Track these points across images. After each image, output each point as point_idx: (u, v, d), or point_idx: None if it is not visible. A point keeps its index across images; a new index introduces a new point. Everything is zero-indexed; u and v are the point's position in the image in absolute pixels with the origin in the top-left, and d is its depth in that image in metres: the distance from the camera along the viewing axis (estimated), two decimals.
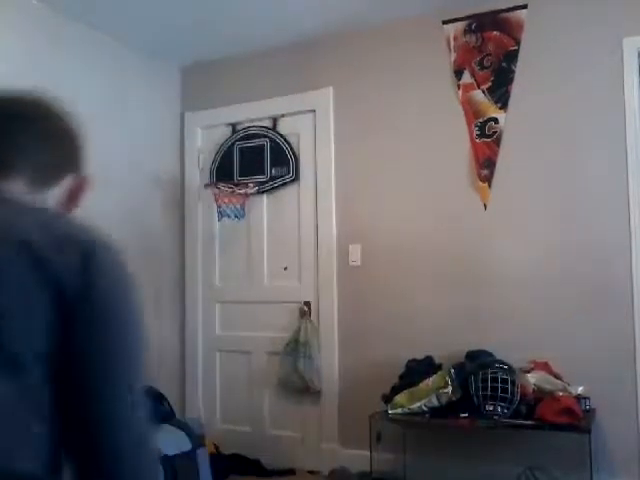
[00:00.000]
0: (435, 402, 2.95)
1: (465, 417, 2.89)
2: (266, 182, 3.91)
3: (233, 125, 4.07)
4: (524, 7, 3.26)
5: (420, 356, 3.26)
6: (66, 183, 1.10)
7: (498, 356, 3.03)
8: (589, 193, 3.11)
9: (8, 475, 0.80)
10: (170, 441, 2.64)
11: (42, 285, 0.84)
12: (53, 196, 1.06)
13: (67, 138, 1.16)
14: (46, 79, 3.30)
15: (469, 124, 3.37)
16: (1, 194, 0.96)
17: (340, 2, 3.34)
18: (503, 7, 3.30)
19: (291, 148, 3.87)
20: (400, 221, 3.51)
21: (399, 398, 3.04)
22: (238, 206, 3.87)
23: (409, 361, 3.26)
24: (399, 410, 3.01)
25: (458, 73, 3.41)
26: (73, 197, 1.13)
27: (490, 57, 3.34)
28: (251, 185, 3.89)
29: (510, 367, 2.89)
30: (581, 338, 3.06)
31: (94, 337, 0.87)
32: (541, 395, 2.88)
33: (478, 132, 3.35)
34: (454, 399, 2.94)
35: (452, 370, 3.02)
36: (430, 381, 3.01)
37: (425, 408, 2.96)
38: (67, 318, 0.85)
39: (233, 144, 4.04)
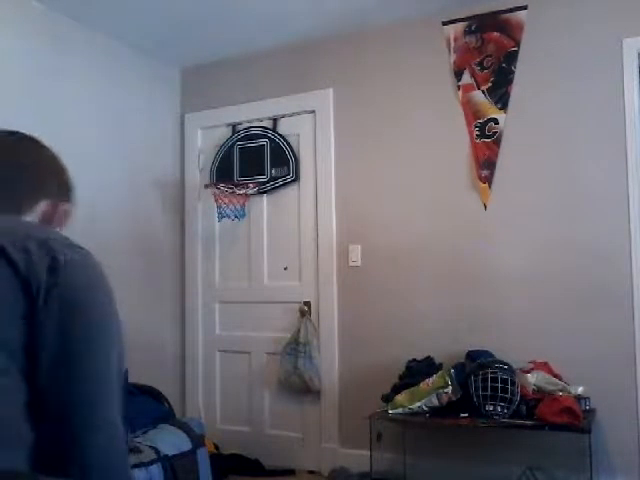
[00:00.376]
0: (435, 402, 2.95)
1: (465, 417, 2.89)
2: (266, 182, 3.92)
3: (233, 126, 4.07)
4: (524, 8, 3.27)
5: (420, 356, 3.27)
6: (39, 209, 1.15)
7: (498, 356, 3.04)
8: (589, 193, 3.12)
9: None
10: (170, 441, 2.64)
11: (12, 283, 0.89)
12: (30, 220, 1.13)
13: (40, 168, 1.19)
14: (46, 79, 3.32)
15: (469, 125, 3.38)
16: None
17: (340, 3, 3.34)
18: (503, 8, 3.31)
19: (291, 149, 3.87)
20: (400, 221, 3.52)
21: (399, 398, 3.04)
22: (238, 206, 3.88)
23: (409, 361, 3.27)
24: (399, 410, 3.01)
25: (458, 74, 3.42)
26: (48, 222, 1.16)
27: (490, 58, 3.34)
28: (251, 185, 3.89)
29: (510, 367, 2.89)
30: (581, 338, 3.06)
31: (59, 332, 0.90)
32: (541, 395, 2.88)
33: (478, 133, 3.36)
34: (454, 399, 2.94)
35: (452, 370, 3.03)
36: (430, 381, 3.01)
37: (425, 408, 2.96)
38: (34, 313, 0.89)
39: (233, 145, 4.05)
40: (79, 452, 0.89)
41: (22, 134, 1.23)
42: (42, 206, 1.15)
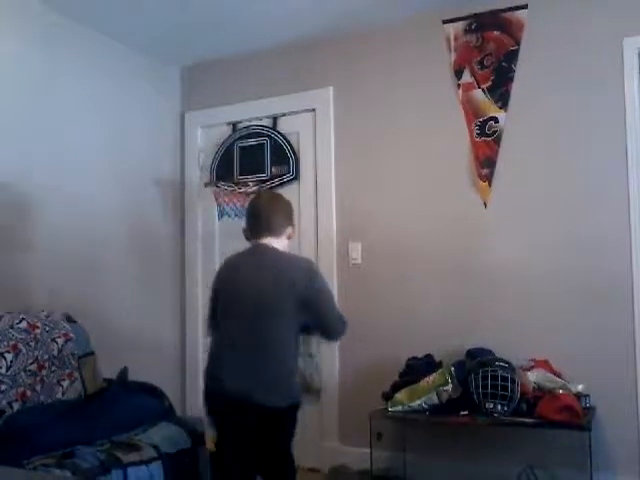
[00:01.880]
0: (435, 400, 2.95)
1: (465, 415, 2.89)
2: (266, 181, 3.92)
3: (233, 124, 4.07)
4: (524, 7, 3.27)
5: (420, 354, 3.27)
6: (287, 231, 2.48)
7: (498, 354, 3.04)
8: (589, 192, 3.12)
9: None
10: (170, 439, 2.63)
11: (290, 288, 2.28)
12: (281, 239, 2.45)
13: (286, 210, 2.49)
14: (46, 79, 3.32)
15: (469, 123, 3.38)
16: (265, 245, 2.40)
17: (340, 2, 3.35)
18: (503, 7, 3.31)
19: (291, 147, 3.87)
20: (400, 219, 3.52)
21: (399, 396, 3.05)
22: (238, 205, 3.88)
23: (409, 359, 3.27)
24: (399, 408, 3.02)
25: (458, 72, 3.42)
26: (290, 237, 2.50)
27: (490, 57, 3.35)
28: (251, 184, 3.90)
29: (510, 365, 2.89)
30: (581, 336, 3.07)
31: (316, 303, 2.34)
32: (541, 393, 2.89)
33: (478, 131, 3.36)
34: (454, 397, 2.94)
35: (452, 368, 3.03)
36: (430, 379, 3.01)
37: (425, 406, 2.97)
38: (303, 299, 2.30)
39: (233, 143, 4.05)
40: (331, 325, 2.42)
41: (272, 192, 2.96)
42: (288, 230, 2.48)
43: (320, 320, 2.37)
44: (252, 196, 2.78)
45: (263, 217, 2.40)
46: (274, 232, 2.40)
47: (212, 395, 2.36)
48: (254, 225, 2.42)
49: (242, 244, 3.97)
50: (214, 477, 2.56)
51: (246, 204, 3.84)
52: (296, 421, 2.52)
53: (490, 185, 3.33)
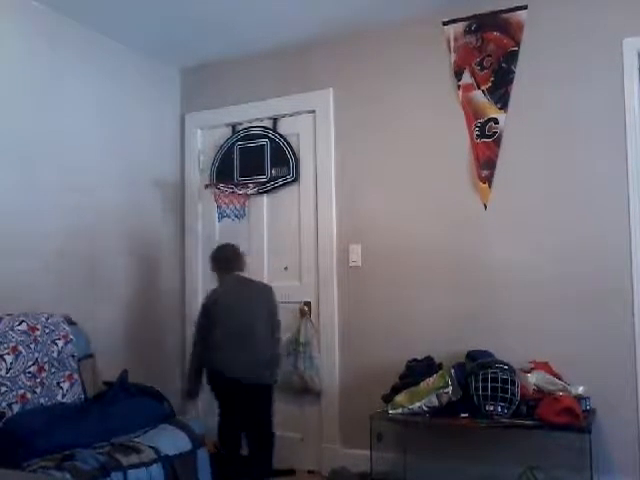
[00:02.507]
0: (435, 402, 2.95)
1: (465, 417, 2.89)
2: (266, 182, 3.92)
3: (233, 126, 4.08)
4: (524, 8, 3.27)
5: (420, 356, 3.27)
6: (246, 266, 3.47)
7: (498, 356, 3.04)
8: (589, 193, 3.12)
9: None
10: (170, 441, 2.63)
11: (264, 306, 3.30)
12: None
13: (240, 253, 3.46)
14: (46, 79, 3.32)
15: (469, 124, 3.38)
16: (241, 276, 3.38)
17: (340, 3, 3.34)
18: (503, 8, 3.31)
19: (291, 148, 3.87)
20: (400, 221, 3.52)
21: (399, 398, 3.04)
22: (238, 206, 3.88)
23: (409, 361, 3.27)
24: (399, 410, 3.01)
25: (458, 74, 3.42)
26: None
27: (490, 58, 3.34)
28: (251, 185, 3.90)
29: (510, 367, 2.89)
30: (581, 338, 3.06)
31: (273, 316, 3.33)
32: (541, 395, 2.88)
33: (478, 132, 3.36)
34: (454, 399, 2.94)
35: (452, 370, 3.02)
36: (430, 381, 3.01)
37: (425, 408, 2.96)
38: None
39: (233, 145, 4.05)
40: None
41: (231, 245, 3.48)
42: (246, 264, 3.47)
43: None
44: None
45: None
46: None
47: None
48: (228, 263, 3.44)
49: (242, 245, 4.01)
50: None
51: (246, 205, 3.91)
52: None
53: (490, 187, 3.32)
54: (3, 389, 2.54)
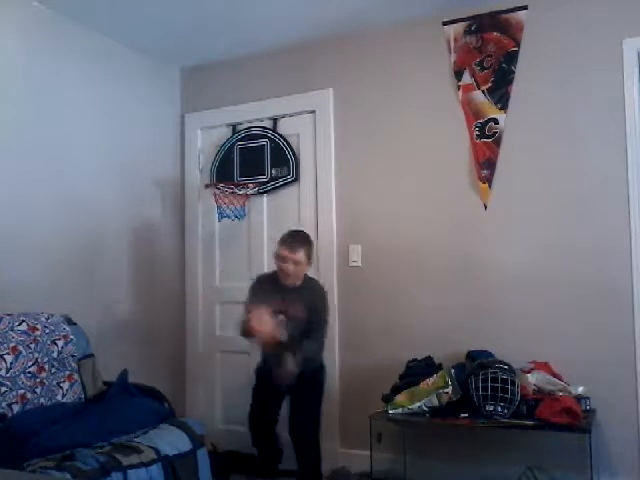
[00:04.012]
0: (435, 402, 2.95)
1: (465, 417, 2.89)
2: (266, 182, 3.92)
3: (233, 126, 4.08)
4: (524, 8, 3.27)
5: (420, 356, 3.27)
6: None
7: (498, 356, 3.04)
8: (589, 193, 3.12)
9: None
10: (170, 441, 2.63)
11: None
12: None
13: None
14: (47, 80, 3.32)
15: (469, 125, 3.38)
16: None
17: (340, 3, 3.34)
18: (503, 8, 3.31)
19: (291, 149, 3.87)
20: (400, 221, 3.52)
21: (399, 398, 3.04)
22: (238, 207, 3.88)
23: (409, 361, 3.27)
24: (399, 410, 3.01)
25: (458, 74, 3.42)
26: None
27: (490, 58, 3.34)
28: (251, 185, 3.89)
29: (510, 367, 2.89)
30: (581, 338, 3.06)
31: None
32: (541, 395, 2.89)
33: (478, 133, 3.36)
34: (454, 399, 2.94)
35: (452, 370, 3.03)
36: (430, 381, 3.01)
37: (425, 408, 2.96)
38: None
39: (233, 145, 4.05)
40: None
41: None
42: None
43: None
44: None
45: None
46: None
47: None
48: None
49: (242, 245, 4.01)
50: None
51: (246, 205, 3.91)
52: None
53: (490, 187, 3.32)
54: (3, 389, 2.54)
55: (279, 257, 3.00)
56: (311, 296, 3.04)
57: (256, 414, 3.20)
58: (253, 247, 3.95)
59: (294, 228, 3.26)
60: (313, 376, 3.06)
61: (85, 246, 3.49)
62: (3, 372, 2.57)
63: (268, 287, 3.07)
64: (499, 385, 2.80)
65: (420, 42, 3.52)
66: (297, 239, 3.04)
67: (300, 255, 2.97)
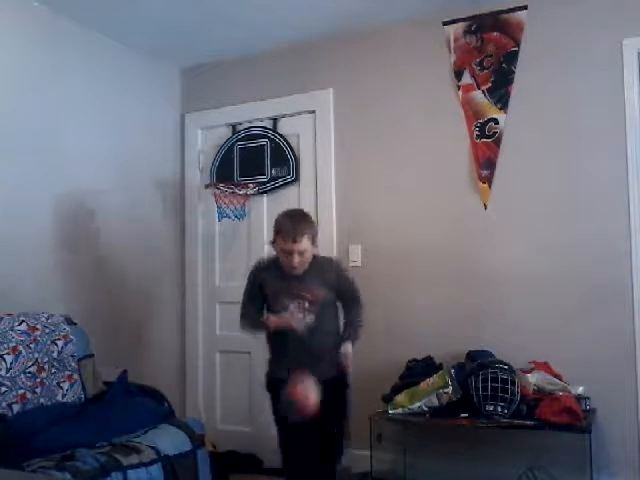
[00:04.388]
0: (435, 402, 2.95)
1: (465, 417, 2.89)
2: (266, 182, 3.92)
3: (233, 126, 4.08)
4: (524, 8, 3.27)
5: (420, 356, 3.27)
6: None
7: (498, 356, 3.04)
8: (589, 193, 3.12)
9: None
10: (170, 441, 2.63)
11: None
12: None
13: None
14: (46, 79, 3.32)
15: (469, 125, 3.38)
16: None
17: (340, 3, 3.34)
18: (503, 8, 3.31)
19: (291, 149, 3.87)
20: (400, 221, 3.52)
21: (399, 398, 3.05)
22: (238, 207, 3.88)
23: (409, 361, 3.27)
24: (399, 410, 3.01)
25: (458, 74, 3.42)
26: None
27: (490, 58, 3.34)
28: (251, 186, 3.89)
29: (510, 367, 2.89)
30: (581, 338, 3.06)
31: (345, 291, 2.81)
32: (541, 395, 2.89)
33: (478, 133, 3.36)
34: (454, 399, 2.94)
35: (452, 370, 3.03)
36: (430, 381, 3.01)
37: (425, 408, 2.97)
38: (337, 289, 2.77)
39: (233, 145, 4.05)
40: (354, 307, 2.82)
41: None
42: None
43: None
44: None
45: None
46: None
47: None
48: None
49: (242, 245, 4.00)
50: None
51: (246, 205, 3.91)
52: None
53: (490, 187, 3.32)
54: (3, 389, 2.54)
55: (283, 252, 2.63)
56: (326, 274, 2.72)
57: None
58: (253, 247, 3.95)
59: (290, 209, 2.85)
60: (338, 401, 2.71)
61: (85, 246, 3.49)
62: (3, 372, 2.57)
63: (277, 273, 2.72)
64: (499, 385, 2.81)
65: (420, 42, 3.52)
66: (298, 223, 2.62)
67: (304, 243, 2.58)
